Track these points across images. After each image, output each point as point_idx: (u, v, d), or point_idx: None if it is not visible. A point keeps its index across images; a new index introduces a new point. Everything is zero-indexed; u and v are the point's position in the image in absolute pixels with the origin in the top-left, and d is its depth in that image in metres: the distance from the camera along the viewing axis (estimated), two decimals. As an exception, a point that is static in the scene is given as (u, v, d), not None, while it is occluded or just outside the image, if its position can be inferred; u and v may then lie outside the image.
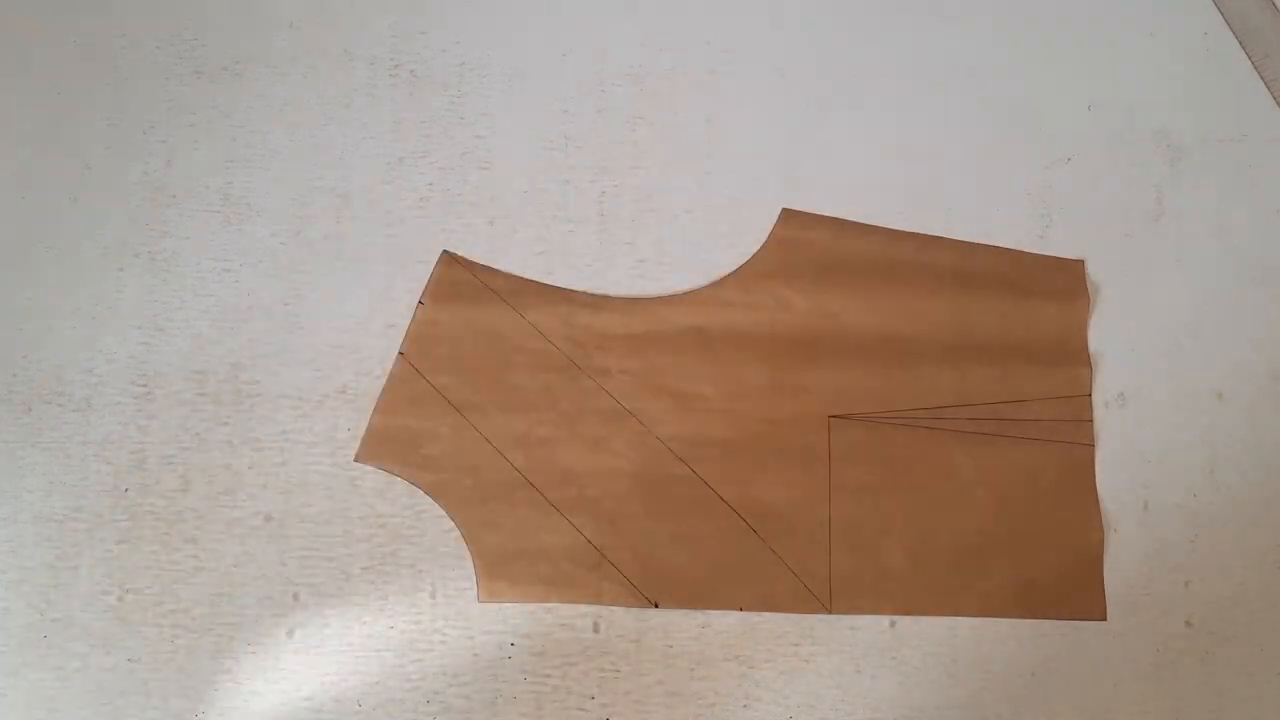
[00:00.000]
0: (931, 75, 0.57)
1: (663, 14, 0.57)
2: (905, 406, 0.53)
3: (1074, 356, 0.54)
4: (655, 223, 0.55)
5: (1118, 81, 0.58)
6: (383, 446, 0.52)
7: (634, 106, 0.56)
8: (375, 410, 0.52)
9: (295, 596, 0.51)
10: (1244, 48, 0.43)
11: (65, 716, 0.49)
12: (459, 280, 0.54)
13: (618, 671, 0.50)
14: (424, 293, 0.53)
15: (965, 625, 0.49)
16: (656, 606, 0.50)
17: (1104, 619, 0.51)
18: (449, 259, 0.54)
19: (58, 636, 0.50)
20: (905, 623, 0.50)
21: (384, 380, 0.52)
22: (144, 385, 0.53)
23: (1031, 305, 0.54)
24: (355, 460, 0.51)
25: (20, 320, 0.53)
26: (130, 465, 0.52)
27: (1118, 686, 0.50)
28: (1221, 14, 0.45)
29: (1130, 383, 0.54)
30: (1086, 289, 0.55)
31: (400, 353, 0.53)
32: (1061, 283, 0.55)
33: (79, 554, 0.51)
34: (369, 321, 0.53)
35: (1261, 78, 0.44)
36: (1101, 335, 0.55)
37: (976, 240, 0.55)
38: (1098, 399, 0.54)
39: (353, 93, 0.56)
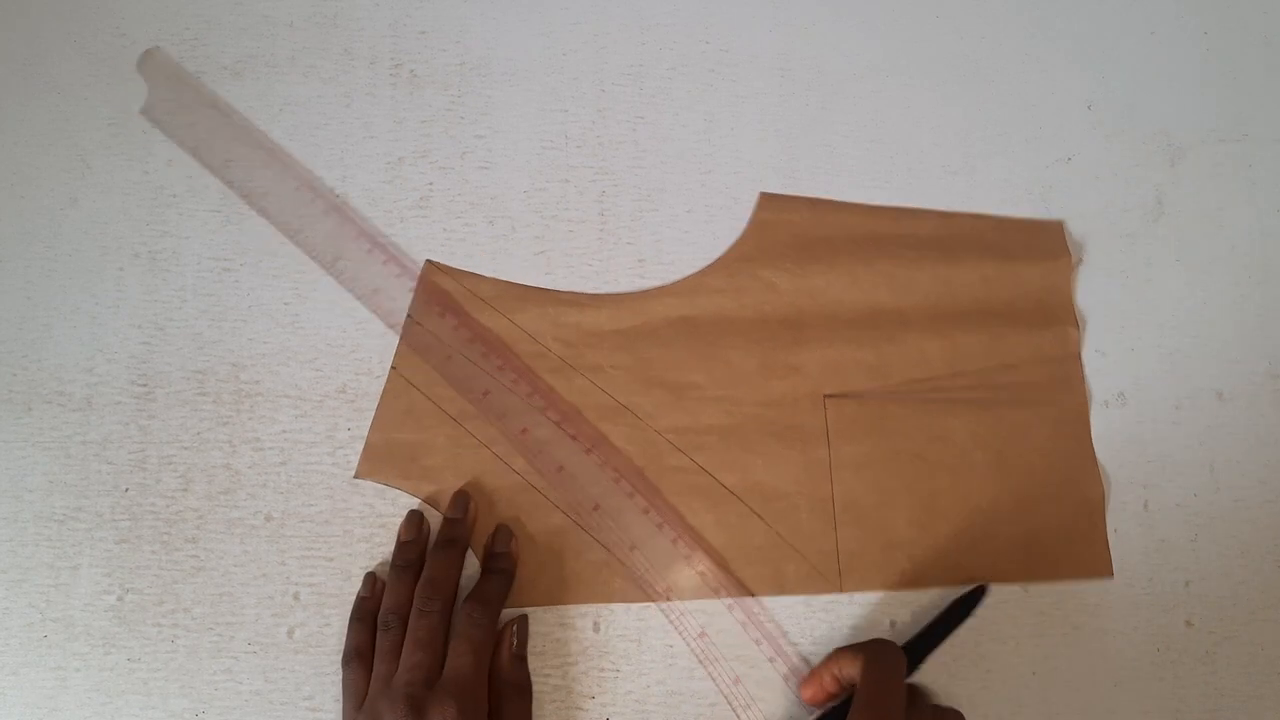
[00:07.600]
0: (931, 75, 0.57)
1: (663, 14, 0.57)
2: (897, 379, 0.53)
3: (1060, 315, 0.54)
4: (655, 222, 0.55)
5: (1118, 81, 0.58)
6: (382, 462, 0.51)
7: (634, 106, 0.56)
8: (372, 427, 0.52)
9: (295, 596, 0.51)
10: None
11: (65, 716, 0.49)
12: (445, 290, 0.53)
13: (618, 671, 0.50)
14: (411, 306, 0.53)
15: (964, 626, 0.49)
16: (668, 600, 0.50)
17: (1110, 575, 0.51)
18: (432, 268, 0.53)
19: (58, 636, 0.50)
20: (903, 624, 0.50)
21: (384, 381, 0.52)
22: (144, 385, 0.53)
23: (1014, 268, 0.54)
24: (356, 477, 0.51)
25: (20, 320, 0.53)
26: (130, 465, 0.52)
27: (1118, 686, 0.50)
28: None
29: (1130, 383, 0.54)
30: (1068, 247, 0.54)
31: (393, 367, 0.53)
32: (1042, 243, 0.55)
33: (79, 554, 0.51)
34: (369, 322, 0.53)
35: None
36: (1101, 335, 0.55)
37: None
38: (1097, 399, 0.54)
39: (353, 93, 0.56)
